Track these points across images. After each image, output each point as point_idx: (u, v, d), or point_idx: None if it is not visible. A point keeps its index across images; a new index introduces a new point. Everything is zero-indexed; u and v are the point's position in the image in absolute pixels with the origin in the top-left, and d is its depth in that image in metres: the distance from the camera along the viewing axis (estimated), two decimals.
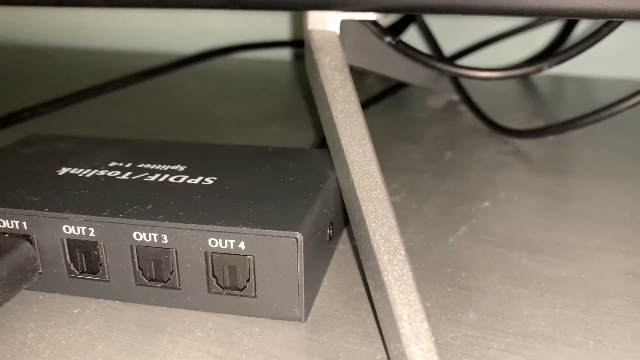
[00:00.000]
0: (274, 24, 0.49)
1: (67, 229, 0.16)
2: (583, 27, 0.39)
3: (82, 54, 0.54)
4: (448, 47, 0.38)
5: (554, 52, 0.36)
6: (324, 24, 0.20)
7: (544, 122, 0.31)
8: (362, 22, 0.22)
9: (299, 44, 0.46)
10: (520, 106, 0.35)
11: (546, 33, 0.40)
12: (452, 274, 0.17)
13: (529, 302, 0.16)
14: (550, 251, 0.18)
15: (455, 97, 0.34)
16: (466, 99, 0.32)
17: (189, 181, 0.17)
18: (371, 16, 0.21)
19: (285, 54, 0.49)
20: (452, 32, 0.40)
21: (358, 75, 0.30)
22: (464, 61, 0.39)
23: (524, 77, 0.40)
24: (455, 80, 0.32)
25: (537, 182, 0.24)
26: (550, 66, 0.23)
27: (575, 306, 0.16)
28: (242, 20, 0.49)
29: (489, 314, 0.15)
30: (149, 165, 0.19)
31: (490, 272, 0.17)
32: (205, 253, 0.15)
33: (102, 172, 0.18)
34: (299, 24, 0.48)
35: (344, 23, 0.20)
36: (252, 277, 0.15)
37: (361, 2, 0.17)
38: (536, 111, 0.34)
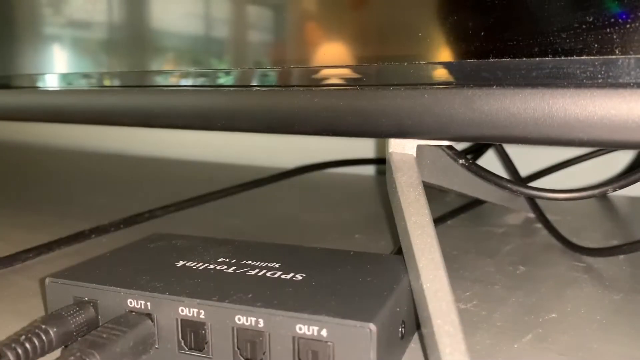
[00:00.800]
0: (361, 145, 0.54)
1: (182, 310, 0.19)
2: None
3: (195, 166, 0.61)
4: (532, 168, 0.40)
5: (619, 176, 0.37)
6: (403, 148, 0.24)
7: (619, 241, 0.32)
8: (437, 146, 0.25)
9: (381, 161, 0.51)
10: (596, 225, 0.36)
11: (628, 154, 0.42)
12: None
13: None
14: None
15: (532, 215, 0.36)
16: (541, 217, 0.34)
17: (283, 276, 0.20)
18: (445, 142, 0.24)
19: (369, 170, 0.54)
20: (534, 153, 0.43)
21: (438, 191, 0.33)
22: (543, 181, 0.41)
23: (595, 197, 0.41)
24: (531, 199, 0.34)
25: (605, 298, 0.25)
26: (615, 189, 0.24)
27: None
28: (334, 141, 0.55)
29: None
30: (250, 262, 0.22)
31: None
32: (293, 337, 0.18)
33: (211, 266, 0.22)
34: (381, 145, 0.53)
35: (420, 147, 0.24)
36: None
37: (433, 132, 0.21)
38: (611, 230, 0.35)
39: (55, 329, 0.19)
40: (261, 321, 0.18)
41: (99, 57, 0.32)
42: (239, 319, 0.18)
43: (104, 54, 0.32)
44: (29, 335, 0.18)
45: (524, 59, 0.19)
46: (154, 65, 0.30)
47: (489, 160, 0.39)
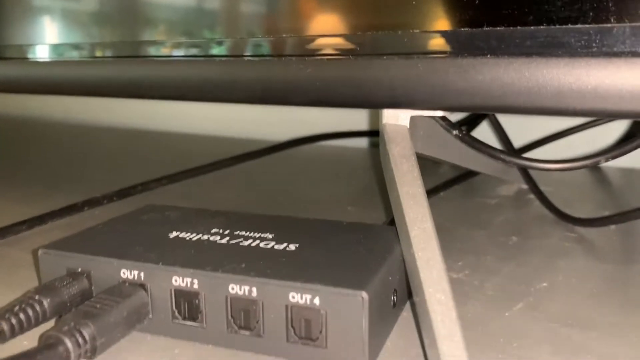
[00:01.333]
0: (354, 117, 0.54)
1: (175, 280, 0.19)
2: None
3: (187, 138, 0.60)
4: (525, 139, 0.40)
5: (612, 146, 0.38)
6: (397, 119, 0.23)
7: (610, 211, 0.32)
8: (431, 117, 0.25)
9: (374, 134, 0.51)
10: (588, 196, 0.37)
11: (621, 126, 0.42)
12: (504, 343, 0.19)
13: None
14: (600, 329, 0.20)
15: (525, 186, 0.36)
16: (535, 188, 0.34)
17: (276, 247, 0.21)
18: (438, 113, 0.24)
19: (362, 142, 0.54)
20: (527, 124, 0.43)
21: (432, 163, 0.33)
22: (536, 152, 0.41)
23: (588, 168, 0.41)
24: (524, 170, 0.34)
25: (597, 268, 0.25)
26: (607, 160, 0.25)
27: None
28: (327, 113, 0.54)
29: None
30: (243, 233, 0.22)
31: (540, 344, 0.19)
32: (286, 306, 0.18)
33: (205, 237, 0.22)
34: (374, 117, 0.52)
35: (413, 118, 0.23)
36: (324, 329, 0.17)
37: (426, 103, 0.21)
38: (603, 201, 0.35)
39: (48, 300, 0.19)
40: (254, 290, 0.18)
41: (89, 28, 0.32)
42: (233, 288, 0.18)
43: (94, 24, 0.31)
44: (23, 305, 0.18)
45: (518, 27, 0.19)
46: (145, 36, 0.30)
47: (483, 132, 0.39)
